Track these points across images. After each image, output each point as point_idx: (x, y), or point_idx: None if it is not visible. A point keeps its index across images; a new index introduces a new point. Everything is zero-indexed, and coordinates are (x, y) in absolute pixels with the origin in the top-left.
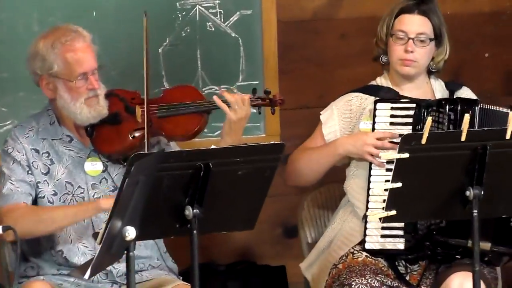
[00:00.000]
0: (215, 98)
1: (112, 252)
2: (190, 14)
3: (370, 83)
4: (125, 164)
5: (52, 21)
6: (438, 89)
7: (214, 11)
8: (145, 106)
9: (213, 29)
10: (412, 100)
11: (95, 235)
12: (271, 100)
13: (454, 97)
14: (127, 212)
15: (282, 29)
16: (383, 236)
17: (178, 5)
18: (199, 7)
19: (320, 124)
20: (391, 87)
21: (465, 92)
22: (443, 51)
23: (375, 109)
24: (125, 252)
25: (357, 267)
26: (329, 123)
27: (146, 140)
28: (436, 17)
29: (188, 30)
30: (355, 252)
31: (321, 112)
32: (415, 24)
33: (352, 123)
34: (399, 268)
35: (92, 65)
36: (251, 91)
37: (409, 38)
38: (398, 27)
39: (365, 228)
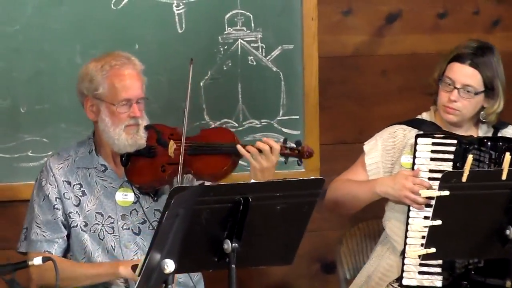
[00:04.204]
0: (238, 147)
1: (151, 284)
2: (232, 48)
3: (416, 117)
4: (154, 197)
5: (94, 54)
6: (482, 128)
7: (256, 45)
8: (182, 143)
9: (254, 63)
10: (453, 136)
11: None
12: (299, 152)
13: (498, 135)
14: (166, 244)
15: (323, 64)
16: (420, 272)
17: (220, 39)
18: (241, 41)
19: (363, 154)
20: (434, 121)
21: (511, 131)
22: (495, 104)
23: (416, 143)
24: (164, 285)
25: None
26: (371, 154)
27: (179, 175)
28: (489, 70)
29: (230, 64)
30: None
31: (365, 143)
32: (463, 75)
33: (395, 156)
34: None
35: (137, 94)
36: (282, 140)
37: (455, 88)
38: (447, 73)
39: (403, 264)
